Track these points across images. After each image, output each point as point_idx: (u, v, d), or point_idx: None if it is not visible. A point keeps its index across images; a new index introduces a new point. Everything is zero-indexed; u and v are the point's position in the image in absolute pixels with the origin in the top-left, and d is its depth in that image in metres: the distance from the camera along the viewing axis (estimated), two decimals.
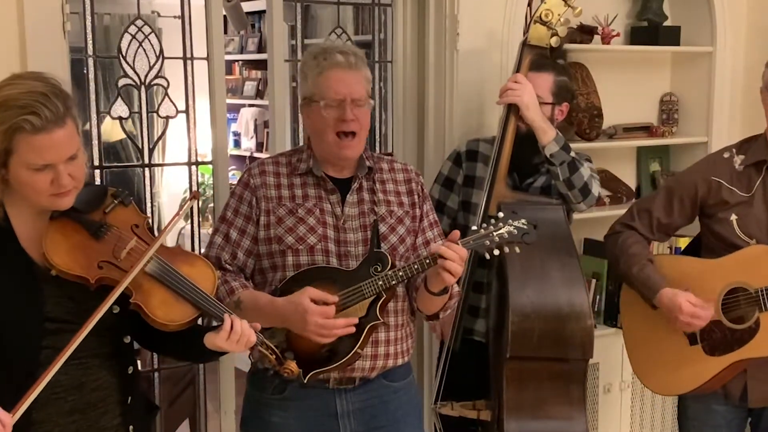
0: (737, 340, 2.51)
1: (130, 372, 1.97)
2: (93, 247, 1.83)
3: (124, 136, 3.14)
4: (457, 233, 2.16)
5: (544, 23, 2.71)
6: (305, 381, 2.16)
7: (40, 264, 1.82)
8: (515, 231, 2.18)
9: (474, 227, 2.22)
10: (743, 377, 2.57)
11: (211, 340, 1.89)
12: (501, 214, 2.21)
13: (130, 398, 1.96)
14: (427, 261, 2.14)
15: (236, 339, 1.88)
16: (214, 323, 1.92)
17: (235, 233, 2.28)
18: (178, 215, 1.93)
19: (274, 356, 1.99)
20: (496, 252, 2.19)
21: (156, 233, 1.97)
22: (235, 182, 2.38)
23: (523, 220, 2.20)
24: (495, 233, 2.18)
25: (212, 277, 1.92)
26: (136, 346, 2.06)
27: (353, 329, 2.13)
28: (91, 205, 1.87)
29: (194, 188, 3.17)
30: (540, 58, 2.82)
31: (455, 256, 2.10)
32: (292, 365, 2.02)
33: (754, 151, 2.57)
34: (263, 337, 1.97)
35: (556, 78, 2.86)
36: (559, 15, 2.71)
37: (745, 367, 2.55)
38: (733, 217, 2.55)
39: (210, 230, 2.49)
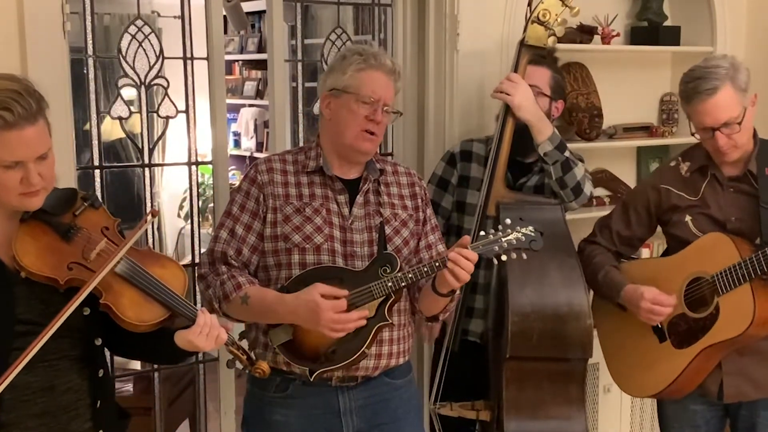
0: (701, 328, 2.53)
1: (100, 375, 1.95)
2: (63, 248, 1.83)
3: (123, 135, 3.14)
4: (467, 239, 2.17)
5: (541, 23, 2.71)
6: (311, 380, 2.18)
7: (10, 266, 1.81)
8: (523, 238, 2.20)
9: (483, 232, 2.23)
10: (720, 373, 2.58)
11: (183, 336, 1.91)
12: (509, 221, 2.22)
13: (99, 402, 1.94)
14: (437, 264, 2.15)
15: (207, 332, 1.89)
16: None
17: (241, 229, 2.28)
18: (139, 228, 1.92)
19: (245, 356, 2.02)
20: (504, 258, 2.21)
21: (147, 234, 1.96)
22: (236, 182, 2.39)
23: (531, 227, 2.21)
24: (503, 239, 2.19)
25: (183, 278, 1.94)
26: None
27: (365, 322, 2.14)
28: (61, 208, 1.87)
29: (194, 188, 3.17)
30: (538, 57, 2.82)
31: (465, 262, 2.13)
32: (263, 365, 2.05)
33: (696, 158, 2.64)
34: (233, 338, 1.99)
35: (553, 74, 2.89)
36: (556, 15, 2.70)
37: (719, 361, 2.56)
38: (688, 218, 2.61)
39: (210, 230, 2.49)
